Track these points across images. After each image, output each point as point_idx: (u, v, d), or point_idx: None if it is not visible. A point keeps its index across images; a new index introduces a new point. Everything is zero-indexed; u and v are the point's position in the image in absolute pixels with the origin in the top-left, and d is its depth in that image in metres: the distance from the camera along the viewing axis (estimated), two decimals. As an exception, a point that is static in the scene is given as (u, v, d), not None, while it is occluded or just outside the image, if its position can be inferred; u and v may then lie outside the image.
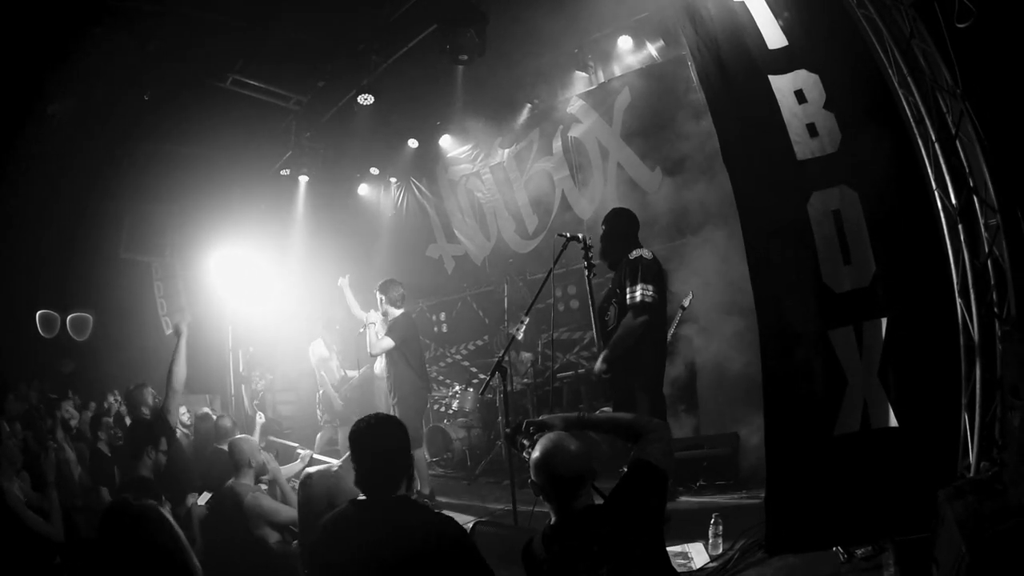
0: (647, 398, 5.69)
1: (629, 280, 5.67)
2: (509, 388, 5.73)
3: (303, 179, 11.62)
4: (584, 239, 5.89)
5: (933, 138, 3.89)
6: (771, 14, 4.68)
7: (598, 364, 5.86)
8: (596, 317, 6.11)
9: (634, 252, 5.79)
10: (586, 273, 6.00)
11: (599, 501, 2.93)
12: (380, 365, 9.56)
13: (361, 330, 7.80)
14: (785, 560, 4.41)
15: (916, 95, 3.88)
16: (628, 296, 5.64)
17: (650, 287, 5.59)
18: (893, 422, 4.20)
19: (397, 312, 7.67)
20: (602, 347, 5.90)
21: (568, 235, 5.76)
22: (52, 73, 6.73)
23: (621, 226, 6.04)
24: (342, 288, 8.16)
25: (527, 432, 3.20)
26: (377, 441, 3.19)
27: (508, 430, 3.43)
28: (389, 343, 7.41)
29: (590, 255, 5.92)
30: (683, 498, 6.33)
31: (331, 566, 3.08)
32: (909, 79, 3.90)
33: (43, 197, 8.39)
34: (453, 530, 3.11)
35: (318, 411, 9.97)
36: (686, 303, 7.61)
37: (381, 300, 7.66)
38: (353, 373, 10.03)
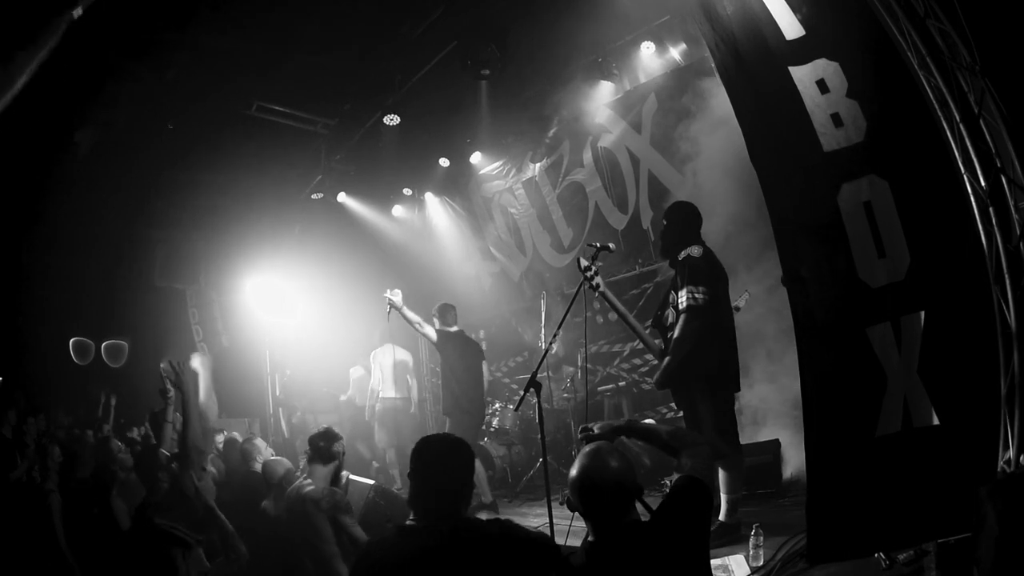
0: (709, 409, 5.28)
1: (680, 283, 5.34)
2: (546, 404, 5.50)
3: (342, 197, 11.66)
4: (579, 261, 5.45)
5: (957, 119, 3.72)
6: (786, 5, 4.55)
7: (657, 375, 5.52)
8: (653, 323, 5.76)
9: (683, 252, 5.40)
10: (595, 293, 5.49)
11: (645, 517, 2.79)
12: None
13: (388, 310, 7.66)
14: (827, 569, 4.23)
15: (937, 76, 3.73)
16: (678, 302, 5.30)
17: (699, 288, 5.19)
18: (935, 420, 4.00)
19: (450, 330, 8.12)
20: (664, 353, 5.50)
21: (598, 245, 5.39)
22: (76, 102, 6.86)
23: (677, 222, 5.64)
24: (393, 302, 7.59)
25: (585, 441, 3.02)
26: (441, 459, 2.91)
27: (581, 436, 3.17)
28: (431, 331, 7.90)
29: (589, 274, 5.36)
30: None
31: None
32: (928, 60, 3.74)
33: (76, 227, 8.57)
34: (519, 531, 2.87)
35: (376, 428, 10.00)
36: (741, 303, 7.32)
37: (435, 322, 8.07)
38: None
